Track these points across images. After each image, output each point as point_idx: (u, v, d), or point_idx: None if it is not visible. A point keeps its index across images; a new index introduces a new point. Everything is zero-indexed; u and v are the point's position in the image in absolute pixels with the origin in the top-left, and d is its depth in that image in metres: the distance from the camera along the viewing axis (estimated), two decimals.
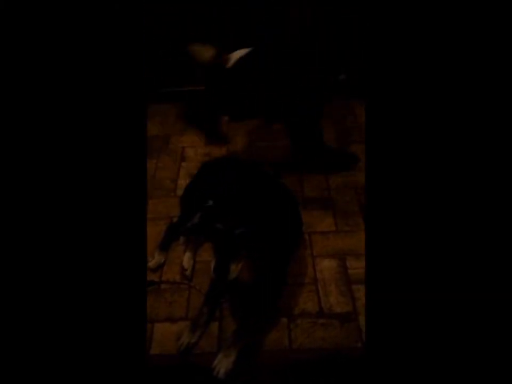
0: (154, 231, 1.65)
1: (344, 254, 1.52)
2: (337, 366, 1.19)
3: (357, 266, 1.47)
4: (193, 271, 1.50)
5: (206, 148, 2.09)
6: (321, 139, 1.78)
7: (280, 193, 1.48)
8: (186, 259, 1.51)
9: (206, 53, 1.61)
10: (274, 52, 1.44)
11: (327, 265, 1.49)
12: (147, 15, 1.35)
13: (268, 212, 1.17)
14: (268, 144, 2.08)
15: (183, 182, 1.85)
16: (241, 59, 1.41)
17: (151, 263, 1.50)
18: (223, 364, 1.19)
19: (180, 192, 1.80)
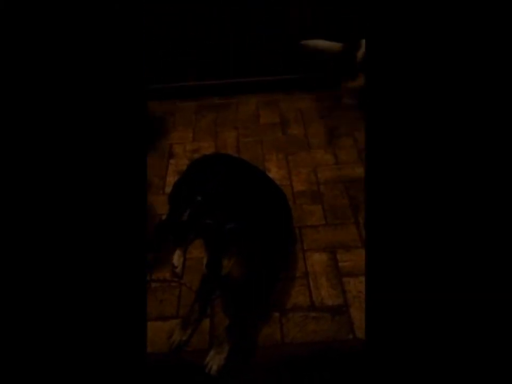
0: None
1: (334, 247, 1.52)
2: (330, 359, 1.20)
3: (347, 259, 1.48)
4: (183, 269, 1.49)
5: (194, 144, 2.08)
6: None
7: (269, 188, 1.48)
8: (176, 257, 1.50)
9: (334, 46, 2.03)
10: None
11: (317, 259, 1.49)
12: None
13: (257, 207, 1.16)
14: (255, 140, 2.07)
15: (171, 179, 1.83)
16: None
17: None
18: (215, 361, 1.19)
19: (168, 189, 1.79)
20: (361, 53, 1.89)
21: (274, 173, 1.85)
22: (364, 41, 1.89)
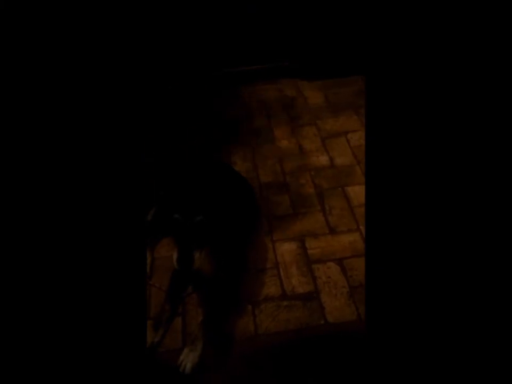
0: None
1: (303, 236, 1.54)
2: (305, 346, 1.21)
3: (316, 246, 1.50)
4: (151, 269, 1.45)
5: None
6: None
7: (233, 180, 1.46)
8: None
9: None
10: None
11: (287, 248, 1.50)
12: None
13: (222, 199, 1.15)
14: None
15: None
16: None
17: None
18: (189, 359, 1.17)
19: None
20: None
21: (240, 165, 1.84)
22: None
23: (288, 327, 1.27)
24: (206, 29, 2.16)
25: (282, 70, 2.34)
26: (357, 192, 1.67)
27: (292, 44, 2.22)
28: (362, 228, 1.54)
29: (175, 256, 1.06)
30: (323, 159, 1.85)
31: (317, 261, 1.45)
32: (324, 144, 1.94)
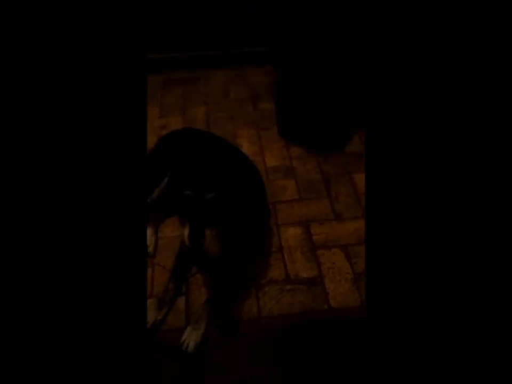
0: None
1: (308, 221, 1.53)
2: (308, 330, 1.22)
3: (321, 232, 1.49)
4: (156, 248, 1.44)
5: (161, 120, 1.99)
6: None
7: (241, 162, 1.44)
8: (148, 236, 1.45)
9: None
10: None
11: (292, 233, 1.50)
12: None
13: (231, 180, 1.13)
14: (225, 115, 2.01)
15: None
16: None
17: None
18: (192, 338, 1.18)
19: None
20: None
21: (246, 148, 1.81)
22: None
23: (292, 311, 1.27)
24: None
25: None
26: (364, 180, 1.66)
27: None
28: None
29: (186, 232, 1.05)
30: None
31: (322, 247, 1.45)
32: None
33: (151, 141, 1.80)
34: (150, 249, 1.42)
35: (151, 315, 1.24)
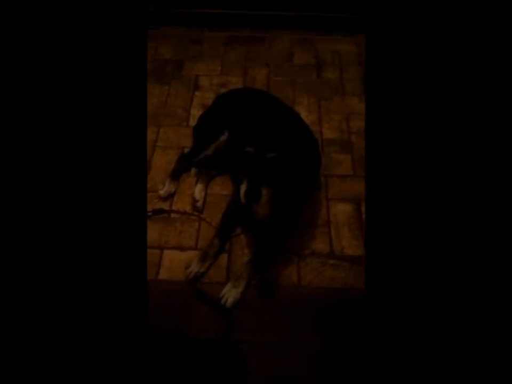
0: (164, 160, 1.59)
1: (360, 199, 1.48)
2: (344, 306, 1.20)
3: None
4: (204, 204, 1.46)
5: (221, 77, 1.96)
6: None
7: (301, 128, 1.40)
8: (198, 191, 1.47)
9: None
10: None
11: (341, 209, 1.45)
12: None
13: (290, 144, 1.10)
14: (286, 80, 1.95)
15: (196, 112, 1.76)
16: None
17: (162, 192, 1.46)
18: (231, 294, 1.20)
19: (192, 122, 1.71)
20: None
21: (304, 117, 1.74)
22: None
23: (332, 285, 1.26)
24: None
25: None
26: None
27: None
28: None
29: (243, 189, 1.04)
30: None
31: None
32: None
33: (209, 97, 1.79)
34: (199, 204, 1.44)
35: (194, 266, 1.27)
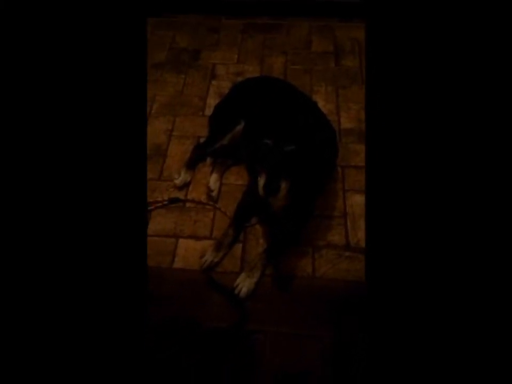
0: (180, 150, 1.59)
1: None
2: (359, 299, 1.19)
3: None
4: (219, 193, 1.46)
5: (238, 66, 1.94)
6: None
7: (317, 117, 1.37)
8: (213, 180, 1.46)
9: None
10: None
11: (358, 201, 1.43)
12: None
13: (308, 135, 1.07)
14: (304, 68, 1.91)
15: (212, 101, 1.75)
16: None
17: (178, 181, 1.47)
18: (245, 283, 1.20)
19: (208, 111, 1.71)
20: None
21: (322, 106, 1.71)
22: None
23: (347, 278, 1.24)
24: None
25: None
26: None
27: None
28: None
29: (261, 182, 1.03)
30: None
31: None
32: None
33: (225, 86, 1.77)
34: (214, 193, 1.44)
35: (209, 255, 1.28)
